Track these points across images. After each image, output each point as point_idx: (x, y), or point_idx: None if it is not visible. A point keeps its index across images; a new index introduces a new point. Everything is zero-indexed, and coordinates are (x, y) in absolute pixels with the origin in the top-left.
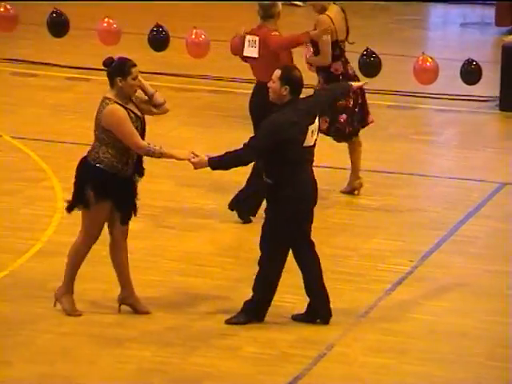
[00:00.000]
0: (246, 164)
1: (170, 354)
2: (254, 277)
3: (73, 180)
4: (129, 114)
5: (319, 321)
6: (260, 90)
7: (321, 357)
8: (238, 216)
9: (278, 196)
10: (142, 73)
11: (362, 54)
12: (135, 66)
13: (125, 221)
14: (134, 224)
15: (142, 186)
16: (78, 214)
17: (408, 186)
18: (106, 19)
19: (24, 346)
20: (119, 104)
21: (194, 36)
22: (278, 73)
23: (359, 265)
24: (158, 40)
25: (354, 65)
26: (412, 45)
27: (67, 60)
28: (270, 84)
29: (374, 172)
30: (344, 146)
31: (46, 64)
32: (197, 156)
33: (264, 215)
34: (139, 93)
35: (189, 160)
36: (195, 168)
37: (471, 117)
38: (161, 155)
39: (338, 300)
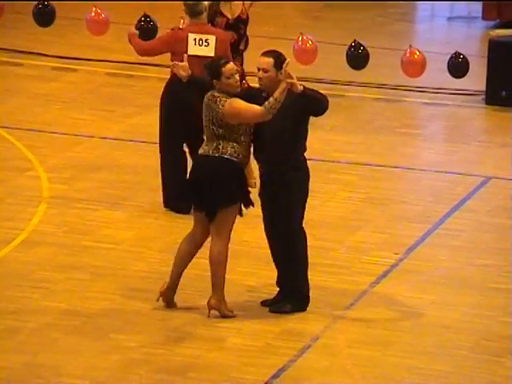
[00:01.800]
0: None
1: (155, 345)
2: (288, 271)
3: (199, 182)
4: None
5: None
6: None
7: (306, 348)
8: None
9: (295, 178)
10: (130, 63)
11: (350, 47)
12: (226, 63)
13: (241, 212)
14: (118, 214)
15: (128, 176)
16: (63, 204)
17: (393, 179)
18: (93, 9)
19: (8, 336)
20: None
21: (181, 26)
22: (269, 61)
23: (344, 257)
24: (146, 30)
25: (341, 58)
26: (399, 38)
27: (54, 50)
28: (261, 74)
29: (359, 165)
30: (332, 140)
31: (32, 53)
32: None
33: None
34: None
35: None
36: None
37: (457, 110)
38: (279, 101)
39: (323, 292)
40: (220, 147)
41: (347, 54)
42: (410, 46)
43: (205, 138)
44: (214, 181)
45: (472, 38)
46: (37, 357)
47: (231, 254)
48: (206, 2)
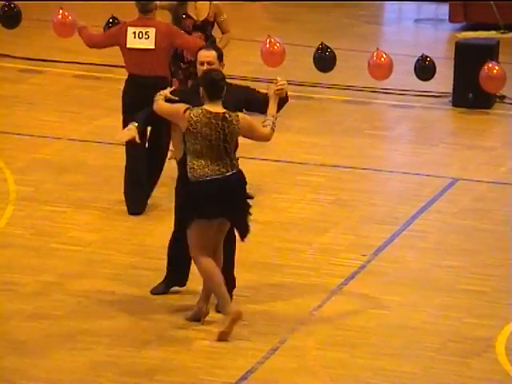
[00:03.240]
0: None
1: (123, 348)
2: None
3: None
4: None
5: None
6: (155, 83)
7: (274, 350)
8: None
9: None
10: (98, 65)
11: (317, 49)
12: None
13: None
14: (86, 216)
15: (95, 178)
16: (30, 206)
17: (361, 180)
18: (60, 11)
19: None
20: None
21: None
22: (213, 53)
23: (312, 259)
24: None
25: (308, 60)
26: (366, 40)
27: (21, 51)
28: (206, 67)
29: (327, 166)
30: (299, 141)
31: None
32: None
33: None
34: None
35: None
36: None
37: (424, 112)
38: (276, 116)
39: (290, 294)
40: (235, 162)
41: (314, 56)
42: (377, 48)
43: (206, 159)
44: (243, 193)
45: (439, 41)
46: (3, 360)
47: None
48: (157, 2)
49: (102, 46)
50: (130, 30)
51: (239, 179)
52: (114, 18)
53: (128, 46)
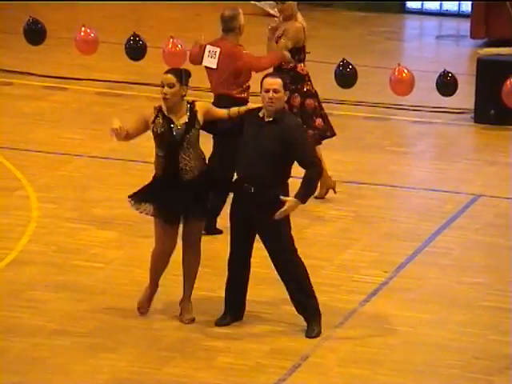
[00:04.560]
0: None
1: (145, 364)
2: (294, 292)
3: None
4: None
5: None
6: (218, 101)
7: (295, 367)
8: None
9: (279, 208)
10: (119, 82)
11: (338, 65)
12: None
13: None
14: (108, 233)
15: (118, 195)
16: (53, 223)
17: (383, 197)
18: (83, 28)
19: None
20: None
21: (170, 46)
22: (279, 81)
23: (334, 276)
24: (135, 49)
25: (330, 76)
26: (388, 56)
27: (44, 69)
28: (273, 95)
29: (349, 183)
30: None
31: (22, 73)
32: (286, 201)
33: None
34: None
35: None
36: (289, 212)
37: (446, 129)
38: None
39: None
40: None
41: (335, 72)
42: (399, 64)
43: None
44: None
45: (460, 57)
46: (26, 377)
47: (220, 273)
48: (241, 21)
49: (194, 63)
50: (207, 48)
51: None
52: (135, 35)
53: (203, 63)
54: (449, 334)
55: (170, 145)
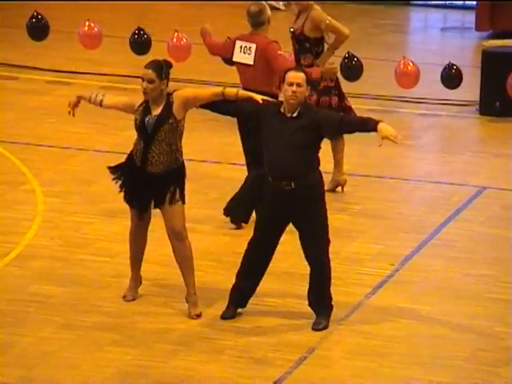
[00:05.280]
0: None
1: (151, 358)
2: (316, 284)
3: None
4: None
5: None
6: None
7: (302, 360)
8: (230, 221)
9: (321, 192)
10: (124, 76)
11: (344, 58)
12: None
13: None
14: (113, 227)
15: None
16: (58, 217)
17: (388, 189)
18: (86, 23)
19: (3, 350)
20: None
21: (175, 39)
22: (303, 75)
23: (340, 268)
24: (140, 43)
25: None
26: (393, 49)
27: (48, 63)
28: (296, 88)
29: (354, 175)
30: (326, 151)
31: (26, 67)
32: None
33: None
34: None
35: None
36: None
37: (451, 121)
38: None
39: None
40: None
41: (341, 65)
42: (404, 57)
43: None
44: None
45: (465, 49)
46: (32, 371)
47: (227, 266)
48: (268, 13)
49: (216, 54)
50: (238, 43)
51: None
52: (140, 29)
53: (234, 59)
54: (454, 325)
55: (142, 134)
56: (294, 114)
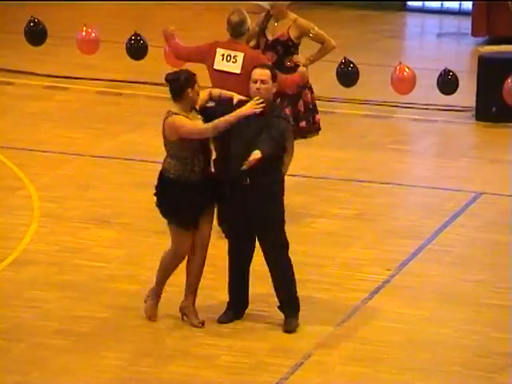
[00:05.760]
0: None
1: (147, 363)
2: (280, 286)
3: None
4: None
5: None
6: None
7: (298, 366)
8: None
9: (279, 190)
10: (121, 81)
11: (340, 64)
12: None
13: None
14: (109, 232)
15: (119, 194)
16: (54, 222)
17: (384, 194)
18: (84, 28)
19: None
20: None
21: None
22: (268, 72)
23: (336, 274)
24: (137, 49)
25: (331, 74)
26: (389, 55)
27: (45, 68)
28: (260, 85)
29: (350, 181)
30: (322, 156)
31: (24, 72)
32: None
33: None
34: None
35: (255, 107)
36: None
37: (448, 126)
38: (228, 122)
39: (314, 308)
40: (164, 161)
41: (337, 70)
42: (400, 62)
43: None
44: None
45: (462, 55)
46: (28, 376)
47: (222, 271)
48: (248, 24)
49: (186, 59)
50: (220, 51)
51: (158, 178)
52: (136, 34)
53: (215, 67)
54: (451, 331)
55: None
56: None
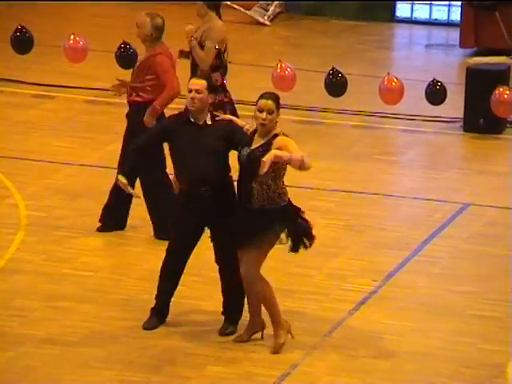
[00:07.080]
0: None
1: (134, 373)
2: (232, 294)
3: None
4: None
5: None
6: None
7: (284, 376)
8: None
9: (232, 193)
10: (108, 90)
11: (328, 74)
12: None
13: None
14: (97, 241)
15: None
16: (42, 231)
17: (371, 205)
18: (72, 36)
19: None
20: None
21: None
22: (203, 82)
23: (323, 284)
24: (126, 57)
25: (319, 85)
26: (377, 65)
27: (33, 77)
28: (194, 95)
29: (338, 191)
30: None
31: (11, 81)
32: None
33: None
34: None
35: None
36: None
37: (435, 137)
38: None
39: (301, 319)
40: None
41: (325, 81)
42: (388, 73)
43: None
44: None
45: (450, 66)
46: None
47: (209, 281)
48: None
49: (177, 84)
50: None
51: None
52: (125, 43)
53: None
54: (438, 342)
55: None
56: (208, 122)
